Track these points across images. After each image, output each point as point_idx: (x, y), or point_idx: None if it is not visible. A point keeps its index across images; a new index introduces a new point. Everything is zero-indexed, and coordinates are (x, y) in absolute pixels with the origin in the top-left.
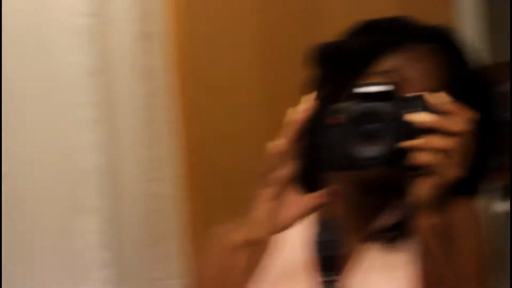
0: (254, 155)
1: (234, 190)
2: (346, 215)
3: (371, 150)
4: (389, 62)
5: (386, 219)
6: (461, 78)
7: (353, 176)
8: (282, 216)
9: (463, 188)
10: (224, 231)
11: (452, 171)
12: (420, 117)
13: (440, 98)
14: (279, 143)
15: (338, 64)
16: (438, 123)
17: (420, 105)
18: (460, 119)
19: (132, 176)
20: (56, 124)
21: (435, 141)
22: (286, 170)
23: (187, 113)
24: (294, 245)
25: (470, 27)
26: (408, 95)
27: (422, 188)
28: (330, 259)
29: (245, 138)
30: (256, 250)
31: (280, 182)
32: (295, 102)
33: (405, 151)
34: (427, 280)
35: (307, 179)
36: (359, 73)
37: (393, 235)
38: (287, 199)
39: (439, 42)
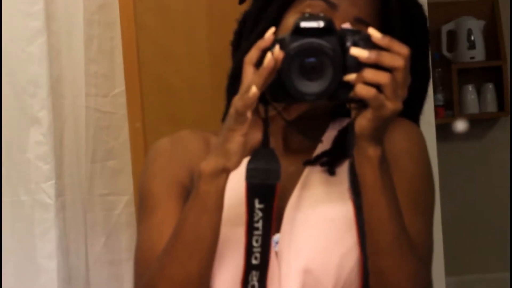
0: (195, 74)
1: (177, 106)
2: (287, 140)
3: (311, 85)
4: None
5: (327, 144)
6: (395, 10)
7: (295, 106)
8: (250, 142)
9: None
10: (164, 145)
11: (389, 105)
12: (357, 52)
13: (377, 33)
14: (254, 90)
15: None
16: (375, 58)
17: (358, 39)
18: (396, 54)
19: (75, 90)
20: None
21: (371, 75)
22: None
23: (131, 30)
24: (241, 172)
25: None
26: (346, 28)
27: (362, 121)
28: (261, 187)
29: (187, 58)
30: (220, 178)
31: (251, 119)
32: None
33: (344, 85)
34: (366, 210)
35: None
36: None
37: (333, 159)
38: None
39: None
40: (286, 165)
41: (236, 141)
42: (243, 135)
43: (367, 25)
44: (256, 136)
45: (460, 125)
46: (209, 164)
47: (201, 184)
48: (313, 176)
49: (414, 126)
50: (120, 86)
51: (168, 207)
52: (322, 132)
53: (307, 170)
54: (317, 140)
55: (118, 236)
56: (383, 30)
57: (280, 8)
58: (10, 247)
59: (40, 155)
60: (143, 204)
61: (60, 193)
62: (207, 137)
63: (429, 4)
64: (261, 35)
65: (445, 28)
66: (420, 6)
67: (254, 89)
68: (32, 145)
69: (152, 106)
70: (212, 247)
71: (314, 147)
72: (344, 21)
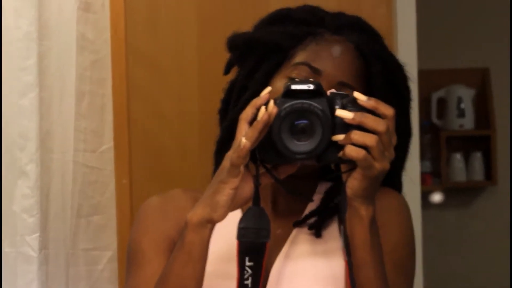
0: (185, 134)
1: (164, 165)
2: (275, 202)
3: (301, 145)
4: (302, 55)
5: (314, 205)
6: (377, 73)
7: (285, 167)
8: (238, 197)
9: (387, 180)
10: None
11: (377, 165)
12: (344, 114)
13: (362, 96)
14: (246, 143)
15: (251, 57)
16: (358, 120)
17: (346, 102)
18: (380, 118)
19: (64, 145)
20: None
21: (358, 137)
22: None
23: (122, 88)
24: (233, 228)
25: (407, 33)
26: (335, 92)
27: (352, 182)
28: (252, 246)
29: (178, 117)
30: (205, 229)
31: (242, 173)
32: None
33: (333, 146)
34: (353, 268)
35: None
36: (273, 65)
37: (321, 221)
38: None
39: (352, 33)
40: (274, 226)
41: (225, 193)
42: (233, 189)
43: (351, 88)
44: (244, 192)
45: (436, 197)
46: (195, 214)
47: (186, 233)
48: (300, 236)
49: (399, 196)
50: (108, 142)
51: (157, 263)
52: (310, 193)
53: (295, 231)
54: (306, 200)
55: None
56: (366, 91)
57: (267, 74)
58: None
59: (26, 208)
60: (132, 259)
61: (44, 246)
62: (197, 197)
63: (419, 71)
64: (249, 101)
65: (435, 96)
66: (401, 67)
67: (244, 141)
68: (18, 198)
69: (140, 163)
70: None
71: (302, 209)
72: (328, 85)
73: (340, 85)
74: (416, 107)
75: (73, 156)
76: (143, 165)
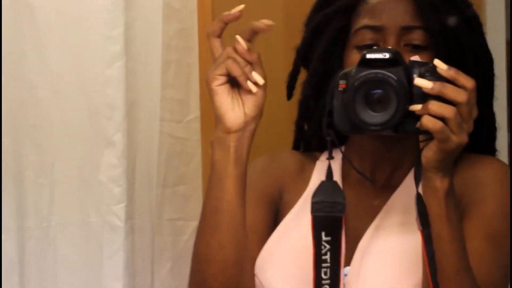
0: (274, 104)
1: None
2: (374, 172)
3: (376, 116)
4: (359, 19)
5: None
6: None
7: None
8: (240, 112)
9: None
10: None
11: (454, 138)
12: (423, 83)
13: (443, 64)
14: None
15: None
16: (438, 90)
17: (425, 71)
18: (460, 88)
19: (150, 115)
20: (80, 57)
21: (436, 107)
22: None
23: (209, 56)
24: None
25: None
26: (414, 60)
27: (427, 152)
28: (327, 220)
29: (268, 89)
30: (225, 144)
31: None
32: None
33: (410, 116)
34: (432, 243)
35: (319, 139)
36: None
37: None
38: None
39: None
40: (371, 197)
41: (219, 102)
42: (224, 94)
43: (418, 28)
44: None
45: None
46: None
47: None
48: (396, 206)
49: (502, 164)
50: (194, 112)
51: (255, 214)
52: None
53: (391, 200)
54: (371, 182)
55: (185, 262)
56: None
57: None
58: (78, 267)
59: (113, 178)
60: None
61: (130, 216)
62: (304, 160)
63: (507, 41)
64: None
65: None
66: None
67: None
68: (105, 167)
69: None
70: (230, 221)
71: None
72: (394, 36)
73: (406, 29)
74: (504, 78)
75: (159, 126)
76: None
